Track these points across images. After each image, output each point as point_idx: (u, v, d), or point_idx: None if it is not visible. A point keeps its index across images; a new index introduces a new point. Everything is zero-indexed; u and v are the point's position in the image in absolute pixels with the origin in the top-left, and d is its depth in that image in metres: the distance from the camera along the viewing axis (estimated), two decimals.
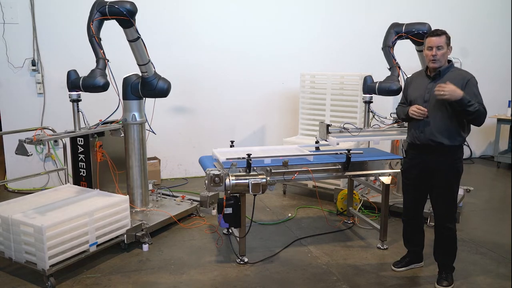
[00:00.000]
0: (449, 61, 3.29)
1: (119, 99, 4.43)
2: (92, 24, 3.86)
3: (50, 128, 5.26)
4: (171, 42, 6.18)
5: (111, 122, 4.85)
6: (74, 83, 3.90)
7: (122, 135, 4.51)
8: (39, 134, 3.84)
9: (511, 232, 4.44)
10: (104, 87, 3.79)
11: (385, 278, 3.57)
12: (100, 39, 3.93)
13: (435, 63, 3.22)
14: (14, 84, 5.74)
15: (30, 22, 5.66)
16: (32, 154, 3.80)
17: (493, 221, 4.90)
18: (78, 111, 4.02)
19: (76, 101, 3.99)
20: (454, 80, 3.17)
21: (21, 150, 3.61)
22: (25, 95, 5.79)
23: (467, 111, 3.07)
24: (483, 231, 4.57)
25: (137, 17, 6.27)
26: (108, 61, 3.89)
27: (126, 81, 4.47)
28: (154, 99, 4.65)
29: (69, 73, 3.95)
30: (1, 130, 5.91)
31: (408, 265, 3.70)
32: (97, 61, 3.88)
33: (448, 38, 3.21)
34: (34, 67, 5.72)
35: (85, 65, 5.92)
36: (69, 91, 3.99)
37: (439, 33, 3.20)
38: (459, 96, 3.02)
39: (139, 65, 4.29)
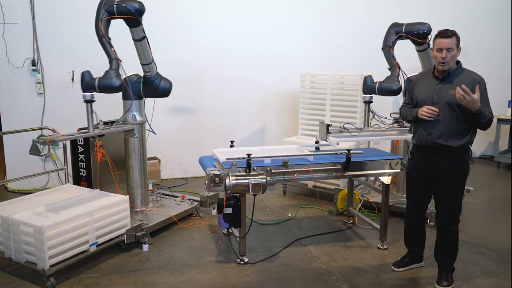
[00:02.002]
0: (458, 62, 3.25)
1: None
2: (100, 24, 3.86)
3: (50, 128, 5.26)
4: (171, 42, 6.18)
5: (112, 122, 4.85)
6: (89, 84, 3.90)
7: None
8: (52, 135, 3.82)
9: (511, 232, 4.44)
10: (120, 87, 3.86)
11: (385, 278, 3.57)
12: (110, 38, 3.94)
13: (444, 66, 3.17)
14: (14, 84, 5.74)
15: (30, 22, 5.66)
16: (45, 154, 3.80)
17: (493, 221, 4.90)
18: (91, 112, 3.98)
19: (90, 101, 3.98)
20: (464, 82, 3.13)
21: (34, 150, 3.59)
22: (25, 95, 5.79)
23: (477, 121, 3.08)
24: (483, 231, 4.57)
25: None
26: (120, 61, 3.91)
27: (126, 81, 4.46)
28: (153, 99, 4.65)
29: (83, 74, 3.93)
30: (1, 130, 5.91)
31: (408, 265, 3.70)
32: (110, 62, 3.89)
33: (458, 39, 3.15)
34: (34, 67, 5.72)
35: (85, 65, 5.94)
36: (84, 92, 3.96)
37: (449, 34, 3.11)
38: (474, 109, 3.00)
39: (142, 64, 4.28)
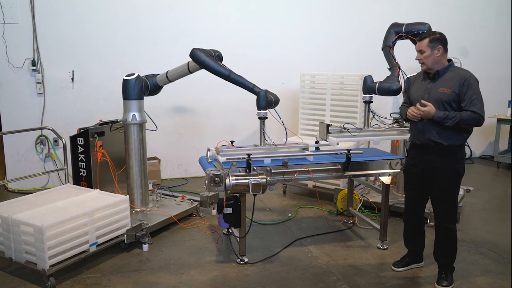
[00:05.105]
0: (449, 60, 3.30)
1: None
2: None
3: (50, 128, 5.27)
4: (170, 42, 6.18)
5: (112, 122, 4.86)
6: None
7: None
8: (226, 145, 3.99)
9: (511, 232, 4.44)
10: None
11: (385, 278, 3.57)
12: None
13: (422, 66, 3.32)
14: (14, 84, 5.74)
15: (30, 22, 5.66)
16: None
17: (493, 221, 4.90)
18: (263, 128, 4.00)
19: (263, 118, 4.02)
20: (453, 80, 3.20)
21: None
22: (25, 95, 5.79)
23: (447, 126, 3.15)
24: (483, 231, 4.57)
25: (139, 16, 6.30)
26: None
27: (127, 81, 4.47)
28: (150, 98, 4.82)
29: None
30: (1, 130, 5.91)
31: (408, 265, 3.70)
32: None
33: (433, 40, 3.21)
34: (34, 67, 5.72)
35: (85, 65, 5.96)
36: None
37: (421, 37, 3.27)
38: (430, 117, 3.18)
39: (169, 78, 4.62)
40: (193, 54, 4.12)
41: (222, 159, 3.67)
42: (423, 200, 3.56)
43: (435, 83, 3.27)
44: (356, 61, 6.79)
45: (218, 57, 4.32)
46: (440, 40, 3.23)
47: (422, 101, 3.23)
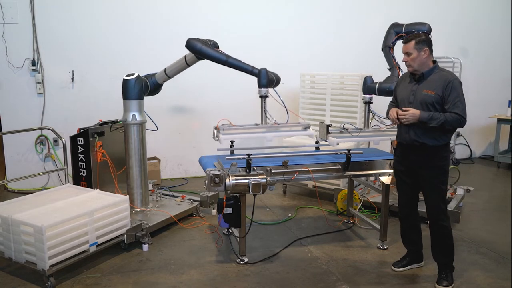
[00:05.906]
0: (434, 62, 3.34)
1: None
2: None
3: (50, 128, 5.27)
4: (171, 42, 6.17)
5: (112, 122, 4.86)
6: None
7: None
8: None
9: (511, 232, 4.44)
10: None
11: (385, 278, 3.57)
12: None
13: (408, 68, 3.35)
14: (14, 84, 5.74)
15: (30, 22, 5.66)
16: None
17: (493, 221, 4.90)
18: (265, 107, 4.01)
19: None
20: (437, 82, 3.23)
21: None
22: (25, 95, 5.79)
23: (431, 127, 3.19)
24: (483, 231, 4.57)
25: (139, 16, 6.30)
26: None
27: (127, 81, 4.47)
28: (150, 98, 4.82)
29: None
30: (1, 130, 5.91)
31: (408, 265, 3.70)
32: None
33: (419, 42, 3.23)
34: (34, 67, 5.72)
35: (85, 65, 5.96)
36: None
37: (407, 40, 3.30)
38: (416, 119, 3.20)
39: (167, 74, 4.60)
40: (189, 43, 4.12)
41: (223, 137, 3.66)
42: (414, 198, 3.60)
43: (420, 85, 3.30)
44: (356, 61, 6.80)
45: (214, 45, 4.29)
46: (426, 42, 3.25)
47: (403, 108, 3.29)
